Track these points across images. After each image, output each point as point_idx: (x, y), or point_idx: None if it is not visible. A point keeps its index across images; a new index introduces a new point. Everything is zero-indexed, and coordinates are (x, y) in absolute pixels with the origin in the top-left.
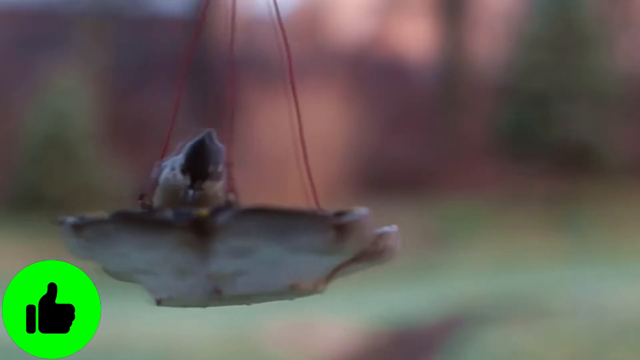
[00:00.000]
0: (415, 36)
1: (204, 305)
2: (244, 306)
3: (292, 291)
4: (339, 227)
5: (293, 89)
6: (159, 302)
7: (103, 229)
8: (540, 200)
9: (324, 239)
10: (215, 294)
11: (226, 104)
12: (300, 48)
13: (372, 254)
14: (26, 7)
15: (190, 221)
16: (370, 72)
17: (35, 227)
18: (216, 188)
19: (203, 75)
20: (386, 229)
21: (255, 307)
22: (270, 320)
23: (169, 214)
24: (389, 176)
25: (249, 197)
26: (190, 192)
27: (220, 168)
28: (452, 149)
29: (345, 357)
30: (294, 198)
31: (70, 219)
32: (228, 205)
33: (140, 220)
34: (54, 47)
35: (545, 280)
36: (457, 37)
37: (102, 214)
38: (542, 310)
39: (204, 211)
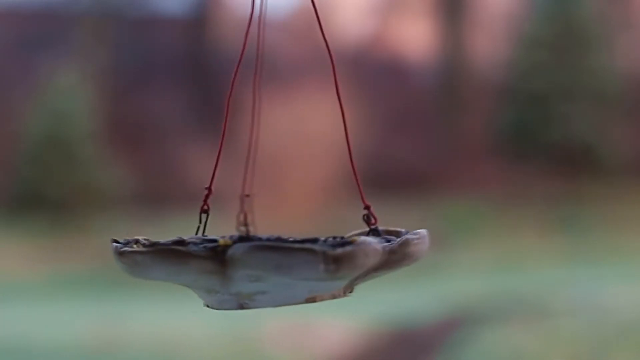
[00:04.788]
0: (415, 36)
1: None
2: None
3: (311, 302)
4: (332, 259)
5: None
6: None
7: (138, 258)
8: (540, 200)
9: (319, 271)
10: (241, 309)
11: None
12: (300, 48)
13: (391, 262)
14: (26, 7)
15: (209, 252)
16: (370, 72)
17: (35, 227)
18: None
19: (203, 76)
20: (409, 236)
21: None
22: (270, 320)
23: (191, 247)
24: (390, 176)
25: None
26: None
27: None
28: (452, 149)
29: (345, 357)
30: (292, 197)
31: (118, 246)
32: (241, 239)
33: (168, 252)
34: (54, 47)
35: (545, 280)
36: (457, 37)
37: (137, 246)
38: (542, 310)
39: (224, 240)
